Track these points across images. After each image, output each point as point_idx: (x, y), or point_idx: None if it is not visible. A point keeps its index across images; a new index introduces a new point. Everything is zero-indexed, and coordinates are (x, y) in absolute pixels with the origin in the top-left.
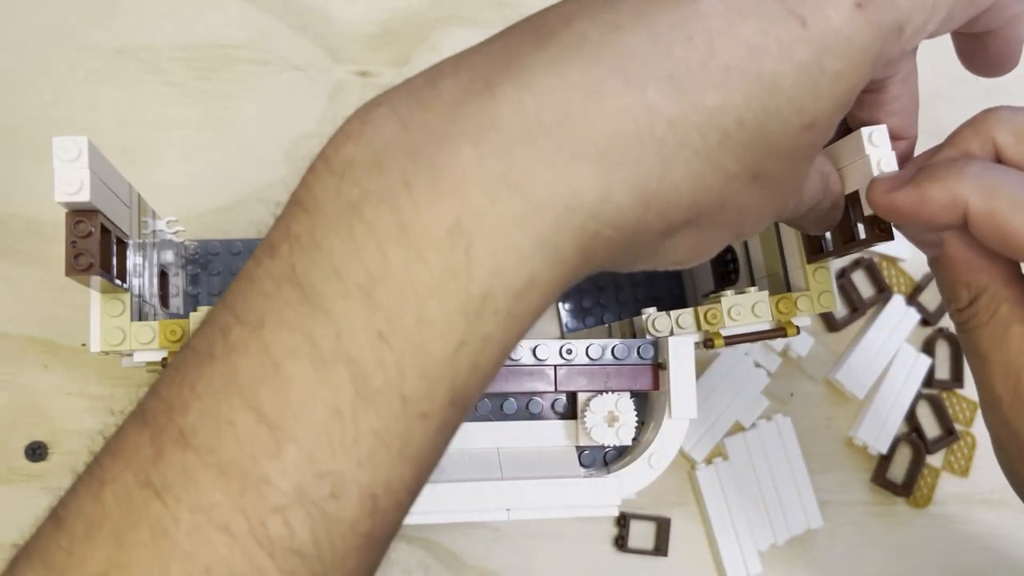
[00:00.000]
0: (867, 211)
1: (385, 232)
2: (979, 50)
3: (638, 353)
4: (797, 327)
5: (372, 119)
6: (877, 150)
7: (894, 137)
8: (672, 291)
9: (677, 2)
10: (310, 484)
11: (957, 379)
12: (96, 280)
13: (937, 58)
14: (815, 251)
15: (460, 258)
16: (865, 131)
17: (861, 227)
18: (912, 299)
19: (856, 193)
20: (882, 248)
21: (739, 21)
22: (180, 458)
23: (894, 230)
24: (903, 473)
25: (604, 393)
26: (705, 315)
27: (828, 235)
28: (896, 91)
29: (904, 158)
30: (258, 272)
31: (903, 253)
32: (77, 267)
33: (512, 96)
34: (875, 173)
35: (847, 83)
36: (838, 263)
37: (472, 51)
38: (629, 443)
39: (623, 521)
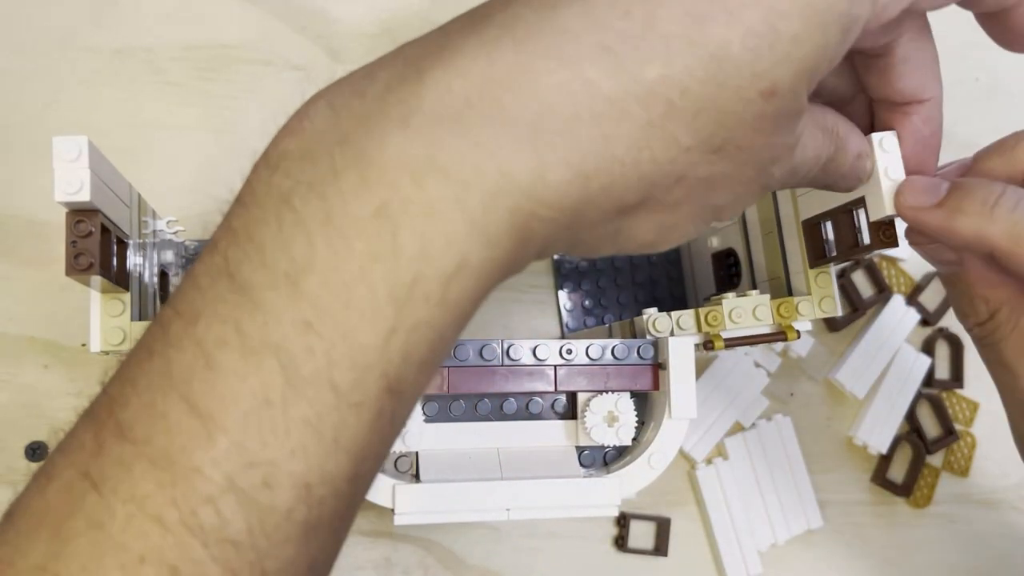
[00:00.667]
0: (872, 217)
1: (312, 220)
2: (1001, 28)
3: (638, 353)
4: (798, 331)
5: (309, 113)
6: (886, 156)
7: (913, 100)
8: (673, 293)
9: None
10: (241, 473)
11: (957, 379)
12: (96, 280)
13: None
14: (818, 255)
15: (386, 243)
16: (875, 137)
17: (866, 233)
18: (912, 299)
19: (862, 199)
20: None
21: None
22: (117, 451)
23: (899, 238)
24: (903, 473)
25: (604, 393)
26: (706, 317)
27: (832, 239)
28: (904, 52)
29: (930, 120)
30: (199, 268)
31: (903, 253)
32: (77, 267)
33: (440, 79)
34: (882, 180)
35: (809, 46)
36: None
37: (413, 41)
38: (629, 443)
39: (623, 521)
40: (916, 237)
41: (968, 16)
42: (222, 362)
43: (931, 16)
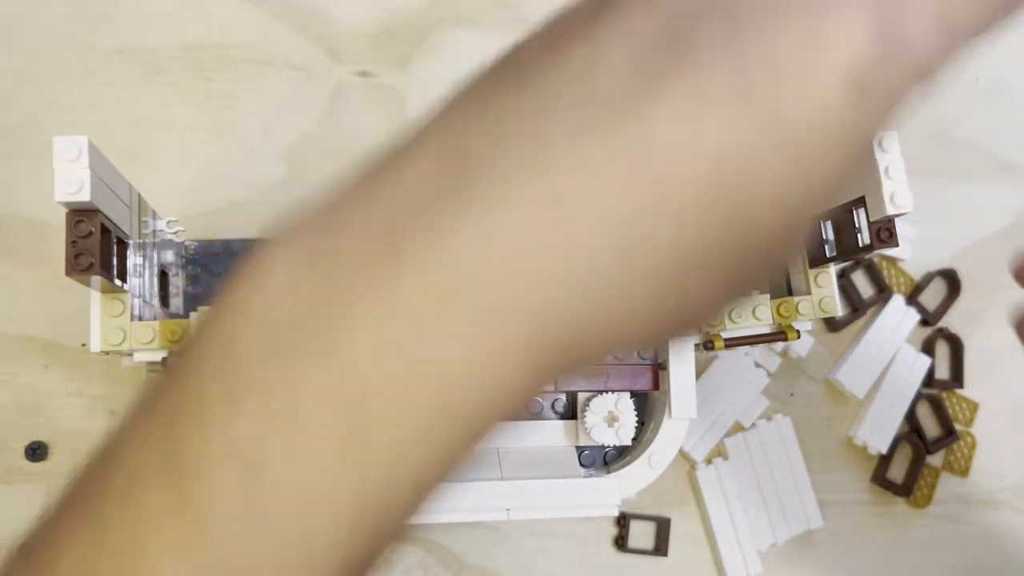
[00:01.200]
0: (872, 217)
1: (269, 426)
2: None
3: (638, 353)
4: (797, 331)
5: (266, 284)
6: (887, 156)
7: None
8: None
9: (620, 125)
10: None
11: (957, 379)
12: (96, 280)
13: None
14: (818, 256)
15: (352, 457)
16: None
17: (866, 233)
18: (912, 299)
19: (862, 199)
20: None
21: (694, 141)
22: None
23: (898, 238)
24: (903, 473)
25: (604, 393)
26: None
27: (832, 239)
28: None
29: None
30: (130, 445)
31: (903, 253)
32: (77, 267)
33: (421, 264)
34: (883, 180)
35: (836, 175)
36: None
37: (385, 183)
38: (629, 443)
39: (623, 521)
40: None
41: None
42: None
43: None
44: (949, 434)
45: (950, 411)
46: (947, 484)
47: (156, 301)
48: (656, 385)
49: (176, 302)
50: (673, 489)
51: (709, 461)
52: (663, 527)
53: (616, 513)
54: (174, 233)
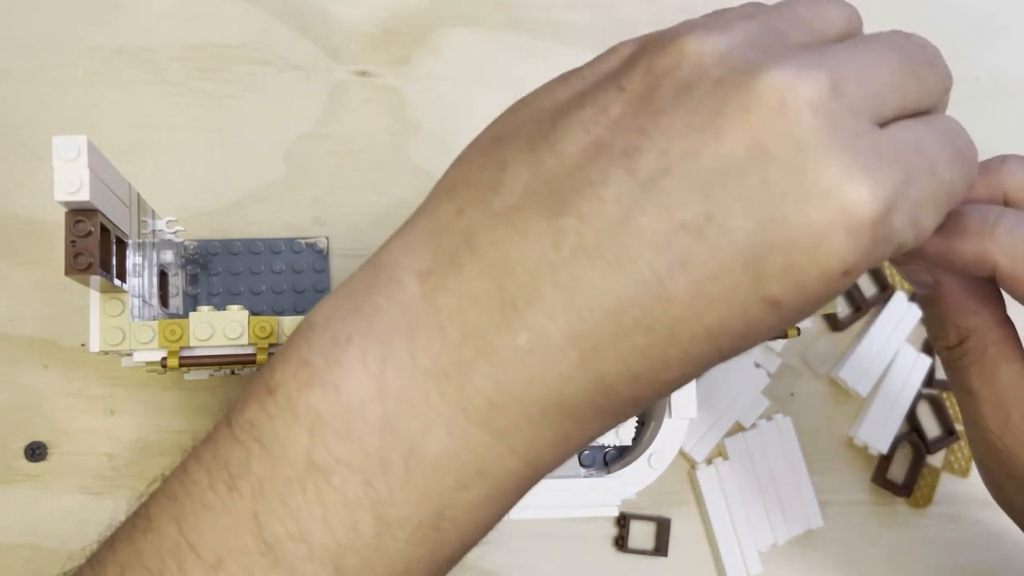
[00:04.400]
0: None
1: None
2: None
3: None
4: (798, 329)
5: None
6: None
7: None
8: None
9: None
10: None
11: None
12: (96, 280)
13: None
14: None
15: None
16: None
17: None
18: (915, 296)
19: None
20: None
21: (705, 316)
22: None
23: None
24: (903, 473)
25: None
26: None
27: None
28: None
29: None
30: (217, 504)
31: None
32: (77, 267)
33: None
34: None
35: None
36: None
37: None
38: (629, 443)
39: (623, 521)
40: (901, 258)
41: (968, 16)
42: None
43: (930, 14)
44: (949, 434)
45: (950, 411)
46: (947, 484)
47: (155, 301)
48: None
49: (176, 302)
50: (673, 489)
51: (709, 461)
52: (663, 527)
53: (616, 513)
54: (174, 233)
